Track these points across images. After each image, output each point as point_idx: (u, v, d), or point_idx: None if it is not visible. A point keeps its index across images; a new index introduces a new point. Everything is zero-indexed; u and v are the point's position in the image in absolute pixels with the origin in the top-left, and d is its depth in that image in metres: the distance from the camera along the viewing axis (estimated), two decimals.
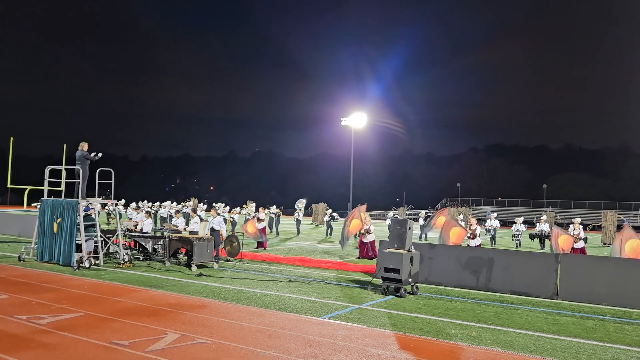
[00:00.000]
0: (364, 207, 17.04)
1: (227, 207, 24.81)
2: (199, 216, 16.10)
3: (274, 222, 26.55)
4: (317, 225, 39.46)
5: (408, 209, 48.28)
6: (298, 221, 28.14)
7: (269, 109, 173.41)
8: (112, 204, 27.24)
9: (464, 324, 7.91)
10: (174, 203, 28.78)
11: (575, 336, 7.45)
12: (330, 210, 29.08)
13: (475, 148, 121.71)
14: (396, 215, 19.47)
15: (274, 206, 27.23)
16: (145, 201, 30.29)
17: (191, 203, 32.42)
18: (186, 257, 13.65)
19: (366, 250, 16.59)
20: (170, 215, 25.95)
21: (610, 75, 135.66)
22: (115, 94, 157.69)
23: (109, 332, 6.72)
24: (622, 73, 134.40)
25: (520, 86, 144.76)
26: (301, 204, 27.07)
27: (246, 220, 18.33)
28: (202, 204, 30.27)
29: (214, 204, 24.31)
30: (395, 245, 10.28)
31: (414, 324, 7.76)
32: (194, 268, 12.68)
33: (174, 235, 13.88)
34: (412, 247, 10.46)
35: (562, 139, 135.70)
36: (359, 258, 16.54)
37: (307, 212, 49.22)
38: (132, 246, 14.83)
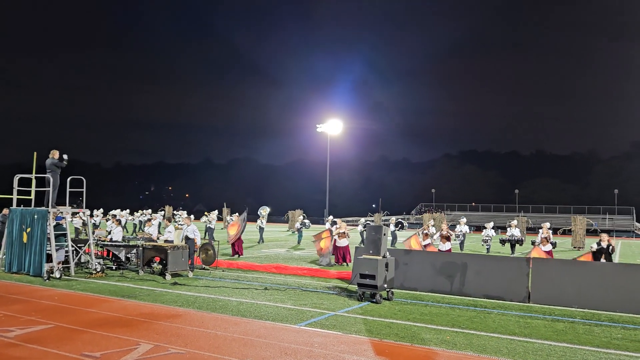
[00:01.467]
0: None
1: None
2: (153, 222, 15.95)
3: None
4: (293, 232, 39.38)
5: (384, 215, 48.57)
6: (261, 229, 26.92)
7: (245, 116, 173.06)
8: (83, 212, 26.71)
9: (438, 329, 8.00)
10: (126, 211, 28.13)
11: (546, 339, 7.61)
12: (301, 217, 28.76)
13: (449, 154, 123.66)
14: (368, 222, 19.51)
15: (237, 214, 26.34)
16: (101, 209, 29.68)
17: (149, 211, 31.55)
18: (160, 266, 13.47)
19: (339, 254, 16.71)
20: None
21: (578, 83, 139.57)
22: (87, 100, 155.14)
23: (80, 344, 6.59)
24: (589, 81, 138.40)
25: (493, 94, 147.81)
26: (264, 210, 26.27)
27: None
28: (155, 212, 29.16)
29: (173, 213, 23.96)
30: (371, 252, 10.33)
31: (389, 330, 7.81)
32: (168, 277, 12.53)
33: (147, 244, 13.70)
34: (387, 253, 10.54)
35: (532, 145, 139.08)
36: (333, 264, 16.61)
37: (284, 219, 49.04)
38: (105, 255, 14.58)
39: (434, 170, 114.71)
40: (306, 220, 28.26)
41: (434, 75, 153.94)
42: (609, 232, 61.83)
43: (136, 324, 7.78)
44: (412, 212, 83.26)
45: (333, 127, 54.81)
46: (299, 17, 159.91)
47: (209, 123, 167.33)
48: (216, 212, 24.87)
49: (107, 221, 24.73)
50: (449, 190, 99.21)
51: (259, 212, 26.48)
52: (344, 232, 16.90)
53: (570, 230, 33.34)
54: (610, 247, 12.82)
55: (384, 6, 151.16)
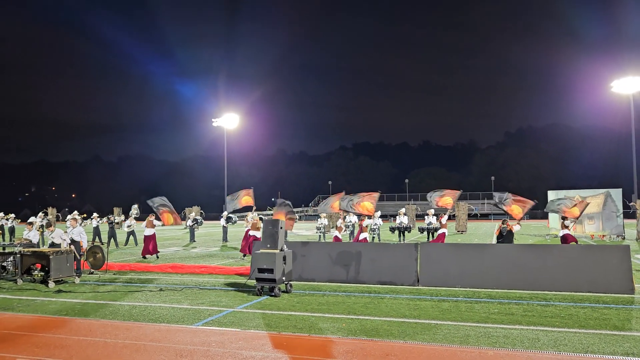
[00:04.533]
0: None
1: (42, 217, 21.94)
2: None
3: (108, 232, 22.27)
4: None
5: None
6: (131, 230, 23.93)
7: (135, 111, 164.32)
8: None
9: (335, 317, 8.23)
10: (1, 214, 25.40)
11: (433, 318, 8.14)
12: (193, 214, 27.61)
13: (344, 147, 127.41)
14: (260, 216, 19.19)
15: (95, 214, 23.57)
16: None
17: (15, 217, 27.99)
18: (42, 273, 12.42)
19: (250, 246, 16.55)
20: None
21: (460, 80, 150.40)
22: None
23: None
24: (468, 77, 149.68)
25: (383, 89, 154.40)
26: (134, 209, 24.32)
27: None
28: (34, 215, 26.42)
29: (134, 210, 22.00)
30: (268, 245, 10.36)
31: (287, 322, 7.89)
32: (51, 285, 11.61)
33: (26, 250, 12.56)
34: (285, 246, 10.63)
35: (420, 137, 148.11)
36: (244, 257, 16.51)
37: (181, 217, 47.55)
38: None
39: (330, 162, 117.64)
40: (198, 217, 27.00)
41: (328, 70, 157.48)
42: (487, 215, 67.47)
43: (13, 338, 7.12)
44: (310, 204, 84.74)
45: (229, 121, 53.86)
46: (190, 7, 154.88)
47: (96, 118, 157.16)
48: (76, 212, 22.30)
49: None
50: (345, 182, 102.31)
51: (130, 212, 24.53)
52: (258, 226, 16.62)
53: (454, 216, 35.84)
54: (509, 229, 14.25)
55: (280, 2, 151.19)
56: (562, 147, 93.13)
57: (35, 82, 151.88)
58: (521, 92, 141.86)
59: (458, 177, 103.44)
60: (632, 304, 9.25)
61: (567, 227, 15.13)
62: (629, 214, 29.59)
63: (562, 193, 27.49)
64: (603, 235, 25.82)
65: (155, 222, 17.93)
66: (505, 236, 14.23)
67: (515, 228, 14.40)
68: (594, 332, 7.18)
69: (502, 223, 14.66)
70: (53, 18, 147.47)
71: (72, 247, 12.82)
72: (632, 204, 27.18)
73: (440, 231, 18.04)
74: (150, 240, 17.57)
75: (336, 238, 17.96)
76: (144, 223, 18.03)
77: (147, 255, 17.44)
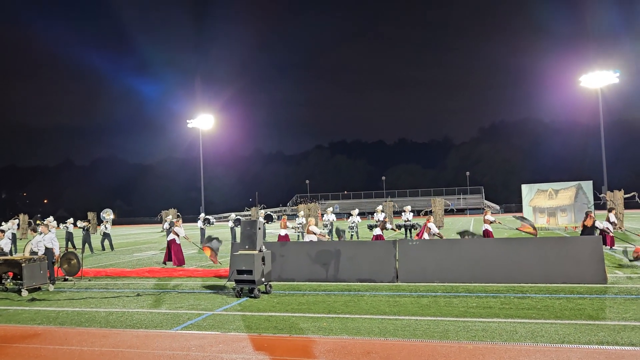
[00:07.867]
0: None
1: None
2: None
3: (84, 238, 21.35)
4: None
5: (260, 209, 48.59)
6: (106, 235, 23.33)
7: (108, 114, 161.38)
8: None
9: (315, 317, 8.22)
10: None
11: (413, 314, 8.20)
12: (170, 217, 27.12)
13: (321, 146, 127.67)
14: (238, 217, 19.02)
15: (71, 219, 22.78)
16: None
17: (8, 223, 27.18)
18: (15, 282, 12.09)
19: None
20: None
21: (433, 76, 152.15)
22: None
23: None
24: (443, 75, 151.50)
25: (359, 87, 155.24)
26: (107, 214, 23.41)
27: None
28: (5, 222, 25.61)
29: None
30: (247, 247, 10.30)
31: (268, 323, 7.85)
32: (24, 293, 11.31)
33: None
34: (263, 247, 10.58)
35: (396, 135, 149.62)
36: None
37: (157, 220, 46.90)
38: None
39: (307, 161, 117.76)
40: (175, 220, 26.36)
41: (303, 69, 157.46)
42: (463, 210, 68.39)
43: None
44: (289, 203, 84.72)
45: (204, 122, 53.36)
46: (159, 9, 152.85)
47: (67, 121, 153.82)
48: (51, 218, 21.46)
49: None
50: (322, 181, 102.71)
51: (102, 216, 23.88)
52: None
53: (431, 211, 36.21)
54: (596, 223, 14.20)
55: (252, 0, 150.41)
56: (533, 141, 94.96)
57: (1, 86, 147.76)
58: (494, 88, 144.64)
59: (433, 173, 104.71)
60: (605, 293, 9.48)
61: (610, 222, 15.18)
62: (599, 205, 30.33)
63: (535, 187, 28.02)
64: (575, 227, 26.40)
65: (177, 229, 17.13)
66: (589, 228, 14.03)
67: None
68: (570, 323, 7.33)
69: (586, 215, 14.31)
70: (16, 19, 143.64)
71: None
72: (602, 195, 27.89)
73: (484, 227, 17.67)
74: (171, 246, 16.53)
75: (379, 237, 16.95)
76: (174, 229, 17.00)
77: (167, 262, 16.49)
